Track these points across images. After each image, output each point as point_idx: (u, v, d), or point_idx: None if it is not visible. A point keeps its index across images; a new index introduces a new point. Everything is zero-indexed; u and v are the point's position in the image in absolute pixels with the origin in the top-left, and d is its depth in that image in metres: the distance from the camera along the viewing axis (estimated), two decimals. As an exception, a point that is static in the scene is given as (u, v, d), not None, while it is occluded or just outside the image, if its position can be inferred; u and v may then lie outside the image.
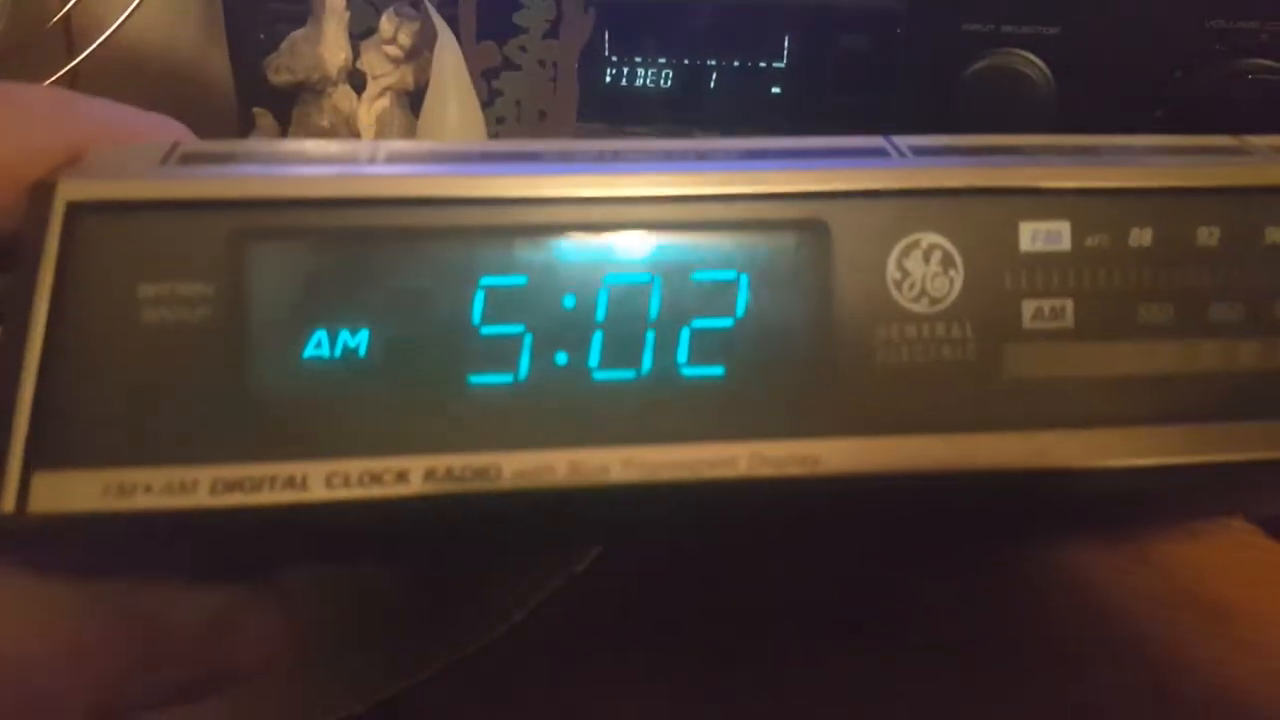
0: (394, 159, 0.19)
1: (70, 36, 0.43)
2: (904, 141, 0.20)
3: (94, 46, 0.39)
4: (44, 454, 0.16)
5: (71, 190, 0.17)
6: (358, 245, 0.17)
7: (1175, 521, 0.33)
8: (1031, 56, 0.45)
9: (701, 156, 0.19)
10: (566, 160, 0.19)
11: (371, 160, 0.19)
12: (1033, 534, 0.32)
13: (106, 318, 0.17)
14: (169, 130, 0.21)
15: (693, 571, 0.32)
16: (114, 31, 0.39)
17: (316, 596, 0.24)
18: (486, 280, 0.18)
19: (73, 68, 0.41)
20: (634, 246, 0.18)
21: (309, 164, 0.18)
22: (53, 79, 0.40)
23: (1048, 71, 0.44)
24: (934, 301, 0.18)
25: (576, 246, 0.18)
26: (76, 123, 0.20)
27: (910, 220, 0.18)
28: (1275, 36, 0.41)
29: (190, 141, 0.21)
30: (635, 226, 0.18)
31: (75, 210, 0.17)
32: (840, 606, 0.31)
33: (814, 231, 0.18)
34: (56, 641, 0.17)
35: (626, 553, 0.31)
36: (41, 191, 0.17)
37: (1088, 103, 0.44)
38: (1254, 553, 0.34)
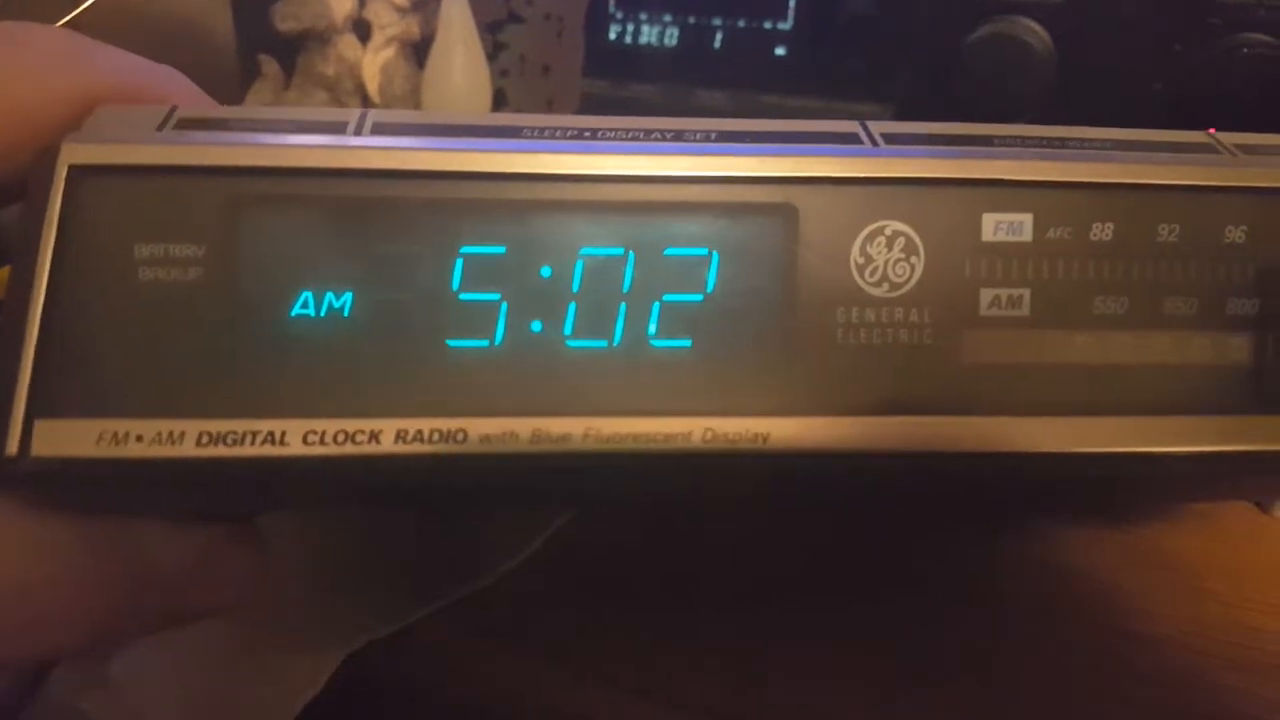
0: (380, 130, 0.19)
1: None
2: (878, 128, 0.20)
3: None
4: (45, 403, 0.17)
5: (74, 154, 0.18)
6: (344, 213, 0.18)
7: (1139, 507, 0.33)
8: (1034, 24, 0.44)
9: (678, 137, 0.20)
10: (547, 137, 0.19)
11: (359, 130, 0.19)
12: (999, 514, 0.33)
13: (104, 276, 0.18)
14: (175, 83, 0.22)
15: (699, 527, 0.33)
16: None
17: (291, 537, 0.25)
18: (466, 249, 0.18)
19: (75, 15, 0.41)
20: (609, 222, 0.19)
21: (300, 133, 0.19)
22: (58, 25, 0.41)
23: (1049, 40, 0.44)
24: (894, 286, 0.19)
25: (553, 220, 0.19)
26: (90, 70, 0.20)
27: (876, 207, 0.19)
28: (1272, 12, 0.41)
29: (192, 95, 0.22)
30: (610, 203, 0.19)
31: (77, 173, 0.18)
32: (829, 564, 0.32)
33: (783, 214, 0.19)
34: (57, 571, 0.18)
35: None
36: (45, 154, 0.18)
37: (1088, 72, 0.44)
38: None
